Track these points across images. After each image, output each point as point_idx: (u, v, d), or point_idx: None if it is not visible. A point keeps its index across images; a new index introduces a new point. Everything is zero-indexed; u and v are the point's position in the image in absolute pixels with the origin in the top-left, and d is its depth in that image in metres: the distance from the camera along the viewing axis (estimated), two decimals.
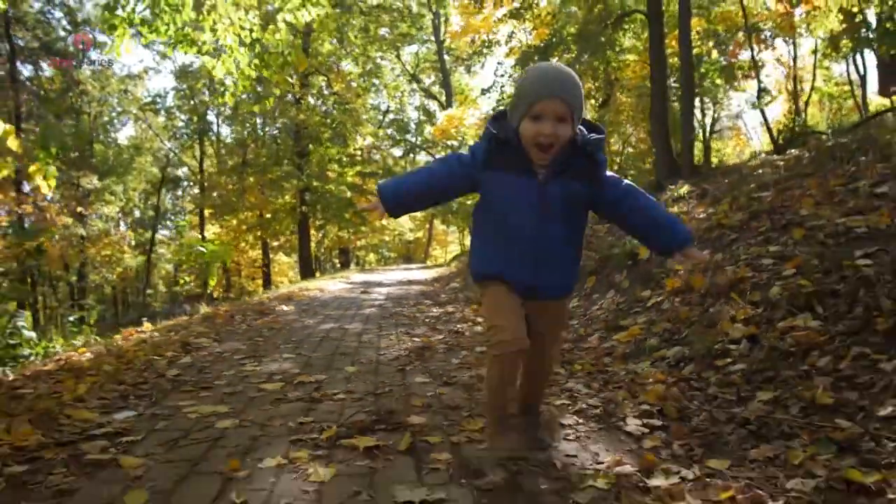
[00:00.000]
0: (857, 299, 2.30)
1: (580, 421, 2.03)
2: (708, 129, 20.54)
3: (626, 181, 1.72)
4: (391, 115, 27.54)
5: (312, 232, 22.48)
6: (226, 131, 28.68)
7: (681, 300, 3.23)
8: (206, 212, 26.52)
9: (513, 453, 1.63)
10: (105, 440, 1.85)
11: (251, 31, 6.24)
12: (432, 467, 1.62)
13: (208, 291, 11.15)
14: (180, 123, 28.54)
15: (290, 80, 12.13)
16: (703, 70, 13.83)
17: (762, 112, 13.36)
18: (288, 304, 6.07)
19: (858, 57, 13.99)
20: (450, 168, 1.70)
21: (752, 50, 13.12)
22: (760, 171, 8.59)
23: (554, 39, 12.74)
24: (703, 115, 21.03)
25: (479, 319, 4.36)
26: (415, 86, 27.16)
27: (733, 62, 14.48)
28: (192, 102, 25.97)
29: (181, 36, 6.09)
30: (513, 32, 14.67)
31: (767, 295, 2.66)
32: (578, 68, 12.17)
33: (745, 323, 2.56)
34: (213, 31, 6.09)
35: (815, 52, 20.78)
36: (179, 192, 32.49)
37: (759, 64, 14.47)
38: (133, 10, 5.69)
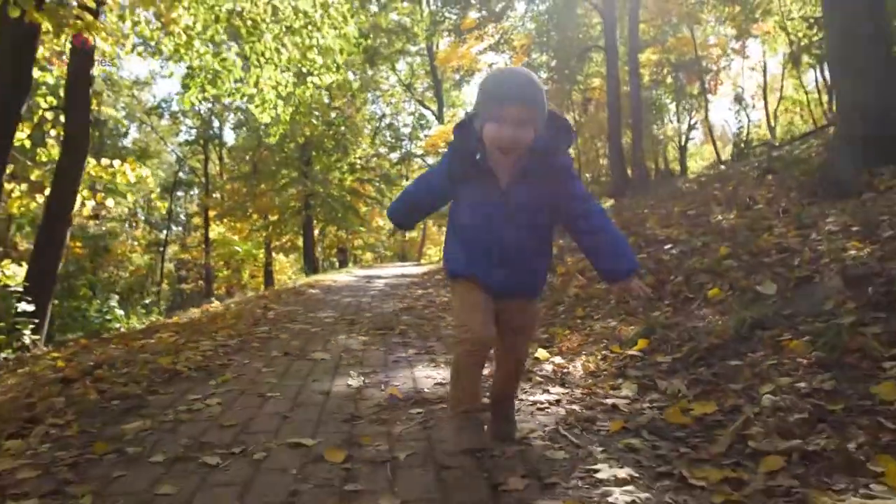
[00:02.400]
0: (663, 276, 4.80)
1: None
2: (684, 137, 23.08)
3: (592, 201, 1.78)
4: (387, 120, 30.14)
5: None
6: (229, 136, 31.18)
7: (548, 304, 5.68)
8: (211, 213, 28.95)
9: (473, 446, 1.69)
10: (258, 341, 4.34)
11: (286, 86, 8.70)
12: (407, 340, 4.08)
13: (242, 282, 13.59)
14: (183, 129, 30.98)
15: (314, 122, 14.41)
16: (659, 92, 16.34)
17: (710, 129, 15.90)
18: (313, 289, 8.54)
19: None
20: (428, 185, 1.87)
21: (702, 81, 15.62)
22: (686, 185, 11.20)
23: (528, 66, 15.23)
24: (679, 122, 23.59)
25: (445, 292, 6.80)
26: (410, 94, 29.69)
27: (686, 86, 17.00)
28: (197, 108, 28.40)
29: (235, 90, 8.58)
30: (492, 63, 17.19)
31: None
32: (551, 91, 14.70)
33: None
34: (258, 86, 8.57)
35: (782, 64, 23.62)
36: (180, 194, 34.93)
37: (708, 88, 16.97)
38: (205, 78, 8.15)
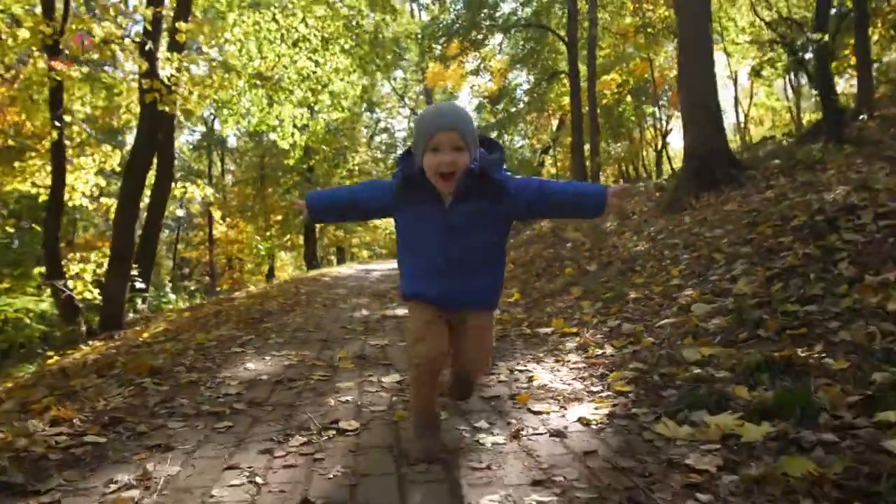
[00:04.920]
0: (562, 262, 7.59)
1: None
2: (660, 142, 25.88)
3: (536, 179, 1.98)
4: (382, 124, 32.93)
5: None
6: (232, 140, 33.90)
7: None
8: (216, 213, 31.71)
9: (428, 456, 1.84)
10: (303, 303, 7.13)
11: (302, 119, 11.46)
12: (393, 301, 6.86)
13: (244, 279, 16.34)
14: (185, 131, 33.66)
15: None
16: (621, 109, 19.14)
17: (664, 144, 18.70)
18: (325, 278, 11.33)
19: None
20: (373, 191, 2.00)
21: (656, 100, 18.39)
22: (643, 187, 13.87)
23: (505, 89, 18.04)
24: (657, 128, 26.38)
25: None
26: (403, 102, 32.49)
27: (645, 104, 19.83)
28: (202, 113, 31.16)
29: (261, 122, 11.36)
30: (474, 85, 20.01)
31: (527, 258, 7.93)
32: (526, 110, 17.53)
33: None
34: (280, 119, 11.34)
35: (749, 76, 26.64)
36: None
37: (673, 104, 19.73)
38: (238, 114, 10.92)
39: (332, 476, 1.78)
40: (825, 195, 5.21)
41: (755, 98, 29.17)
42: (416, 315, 1.94)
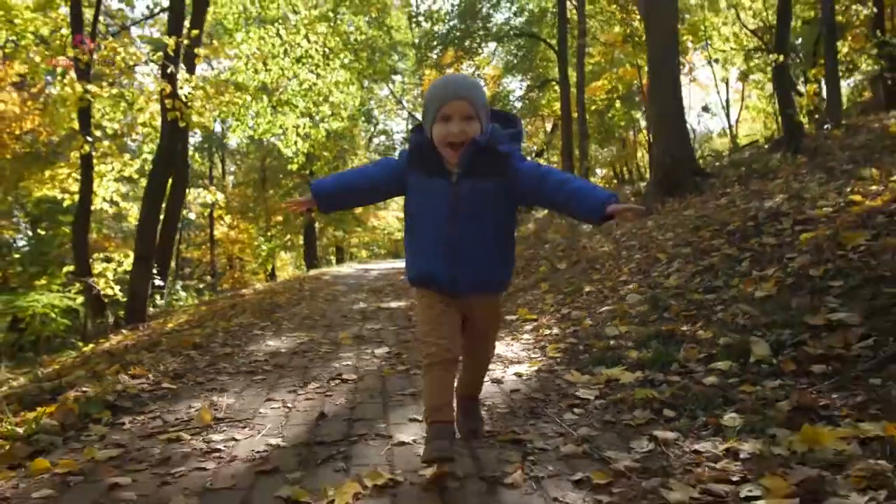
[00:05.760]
0: (539, 261, 8.51)
1: None
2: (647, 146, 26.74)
3: (543, 165, 1.93)
4: (380, 126, 33.87)
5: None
6: (233, 142, 34.86)
7: None
8: (226, 217, 32.69)
9: (441, 455, 1.72)
10: (307, 297, 8.03)
11: (304, 128, 12.35)
12: (388, 295, 7.75)
13: (244, 278, 17.25)
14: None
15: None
16: (611, 114, 20.04)
17: (649, 147, 19.48)
18: (325, 276, 12.23)
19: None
20: (383, 169, 1.97)
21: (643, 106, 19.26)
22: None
23: (498, 95, 18.93)
24: (648, 131, 27.17)
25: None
26: (402, 106, 33.41)
27: (633, 109, 20.73)
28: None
29: (266, 131, 12.24)
30: None
31: None
32: (522, 112, 18.42)
33: None
34: (283, 128, 12.22)
35: (739, 79, 27.49)
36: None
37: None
38: (247, 124, 11.81)
39: (338, 403, 2.67)
40: (765, 203, 6.08)
41: (748, 101, 30.06)
42: (424, 303, 1.92)
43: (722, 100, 27.85)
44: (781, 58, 8.74)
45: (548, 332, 4.16)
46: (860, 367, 2.33)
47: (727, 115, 30.17)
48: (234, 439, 2.19)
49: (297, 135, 12.24)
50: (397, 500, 1.65)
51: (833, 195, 5.53)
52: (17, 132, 12.52)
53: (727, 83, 29.49)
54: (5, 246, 14.06)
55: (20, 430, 2.26)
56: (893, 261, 3.08)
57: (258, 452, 2.04)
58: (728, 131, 28.14)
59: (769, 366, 2.55)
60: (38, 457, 2.03)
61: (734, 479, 1.64)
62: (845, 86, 25.73)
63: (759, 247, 4.63)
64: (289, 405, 2.65)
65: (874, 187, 5.33)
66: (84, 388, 3.03)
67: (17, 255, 13.86)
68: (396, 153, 1.98)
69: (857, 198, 4.92)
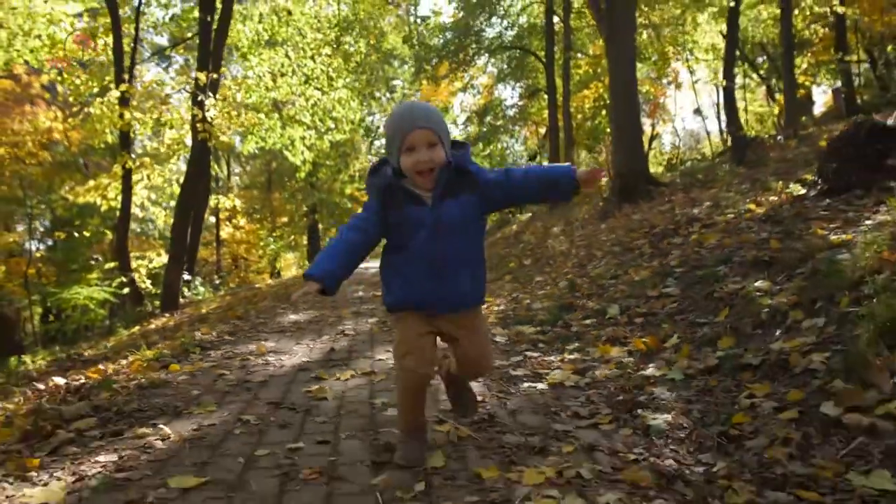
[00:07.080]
0: (509, 257, 10.05)
1: None
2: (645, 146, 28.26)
3: (500, 168, 2.06)
4: (380, 129, 35.48)
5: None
6: (239, 146, 36.56)
7: None
8: (222, 214, 34.36)
9: (410, 462, 1.91)
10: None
11: (310, 139, 13.94)
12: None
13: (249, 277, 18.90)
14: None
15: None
16: (597, 122, 21.52)
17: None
18: None
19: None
20: (364, 223, 1.99)
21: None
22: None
23: (491, 104, 20.49)
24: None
25: None
26: None
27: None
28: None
29: (275, 143, 13.83)
30: (462, 101, 22.52)
31: None
32: (511, 122, 19.96)
33: None
34: (291, 139, 13.81)
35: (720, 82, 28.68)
36: None
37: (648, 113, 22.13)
38: (259, 136, 13.41)
39: (342, 345, 4.24)
40: (693, 209, 7.57)
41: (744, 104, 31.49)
42: (403, 327, 1.98)
43: (712, 102, 29.29)
44: (724, 83, 10.24)
45: (495, 308, 5.71)
46: (660, 317, 3.88)
47: (717, 118, 31.74)
48: (280, 360, 3.76)
49: (304, 146, 13.81)
50: (373, 381, 3.20)
51: (741, 203, 7.02)
52: (45, 142, 14.15)
53: (717, 87, 31.01)
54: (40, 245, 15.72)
55: (150, 354, 3.83)
56: (712, 253, 4.63)
57: (296, 365, 3.61)
58: (721, 134, 29.67)
59: (613, 319, 4.10)
60: (167, 367, 3.61)
61: (554, 368, 3.20)
62: (820, 92, 27.15)
63: (667, 245, 6.15)
64: (310, 346, 4.22)
65: (773, 197, 6.83)
66: (167, 342, 4.61)
67: (48, 255, 15.51)
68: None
69: (753, 206, 6.41)
